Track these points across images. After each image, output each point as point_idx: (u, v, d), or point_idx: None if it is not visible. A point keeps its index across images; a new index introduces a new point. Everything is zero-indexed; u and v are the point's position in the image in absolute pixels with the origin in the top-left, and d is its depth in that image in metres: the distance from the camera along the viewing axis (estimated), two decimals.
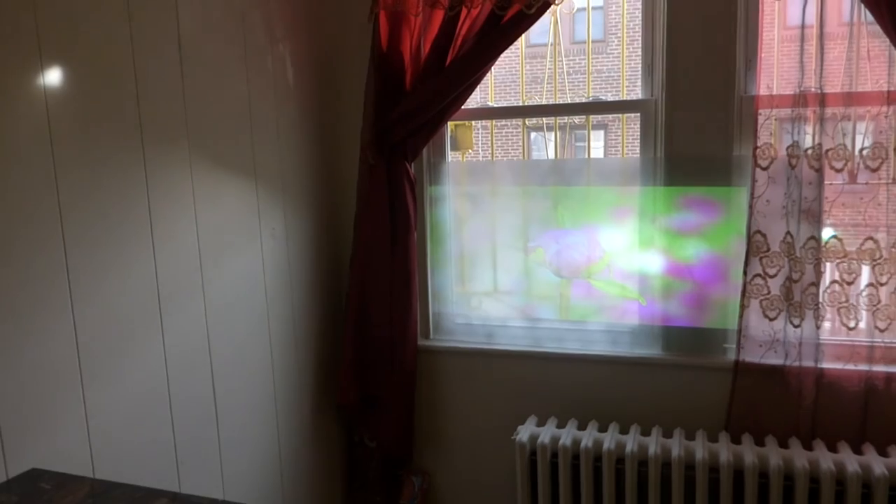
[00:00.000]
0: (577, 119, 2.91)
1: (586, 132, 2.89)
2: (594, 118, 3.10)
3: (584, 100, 2.92)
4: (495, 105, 2.95)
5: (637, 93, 2.62)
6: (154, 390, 1.90)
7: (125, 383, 1.80)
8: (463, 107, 2.59)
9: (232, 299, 2.23)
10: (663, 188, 2.51)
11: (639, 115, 2.57)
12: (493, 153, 3.00)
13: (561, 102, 2.84)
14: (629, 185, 2.62)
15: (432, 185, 2.82)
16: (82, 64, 1.68)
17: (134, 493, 1.33)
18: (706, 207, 2.48)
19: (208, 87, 2.09)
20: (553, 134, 2.89)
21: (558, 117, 2.81)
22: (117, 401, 1.77)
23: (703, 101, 2.42)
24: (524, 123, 2.93)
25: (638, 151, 2.60)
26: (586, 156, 2.78)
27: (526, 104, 2.91)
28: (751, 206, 2.35)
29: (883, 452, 2.31)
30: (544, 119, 3.08)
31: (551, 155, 3.06)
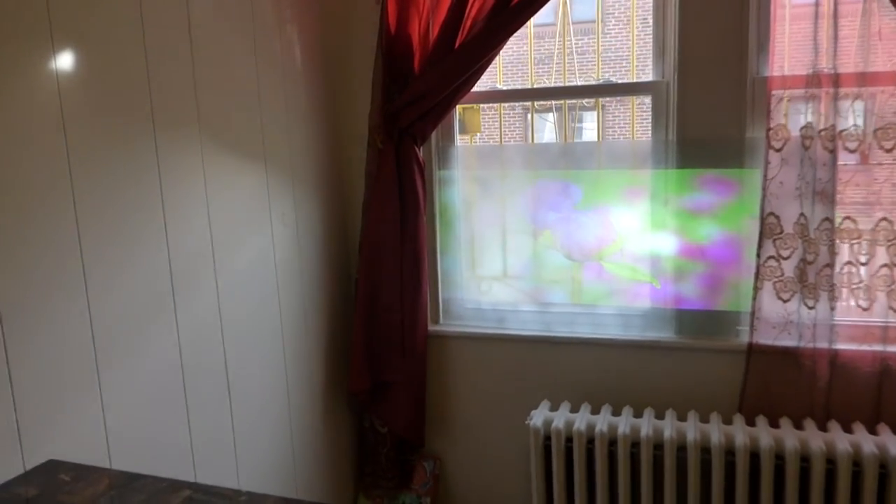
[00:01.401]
0: (573, 101, 2.87)
1: (592, 114, 2.86)
2: (590, 101, 3.07)
3: (594, 82, 2.89)
4: (504, 88, 2.92)
5: (646, 74, 2.58)
6: (169, 378, 1.88)
7: (140, 372, 1.77)
8: (472, 90, 2.56)
9: (244, 285, 2.20)
10: (675, 171, 2.49)
11: (650, 97, 2.54)
12: (501, 137, 2.96)
13: (571, 84, 2.81)
14: (641, 168, 2.59)
15: (441, 168, 2.79)
16: (94, 49, 1.64)
17: (157, 485, 1.31)
18: (719, 189, 2.46)
19: (218, 71, 2.06)
20: (551, 116, 2.85)
21: (567, 100, 2.77)
22: (133, 390, 1.75)
23: (716, 83, 2.39)
24: (533, 106, 2.89)
25: (648, 134, 2.56)
26: (584, 138, 2.75)
27: (535, 86, 2.88)
28: (764, 188, 2.32)
29: None
30: (553, 102, 3.04)
31: (550, 137, 3.02)
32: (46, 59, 1.52)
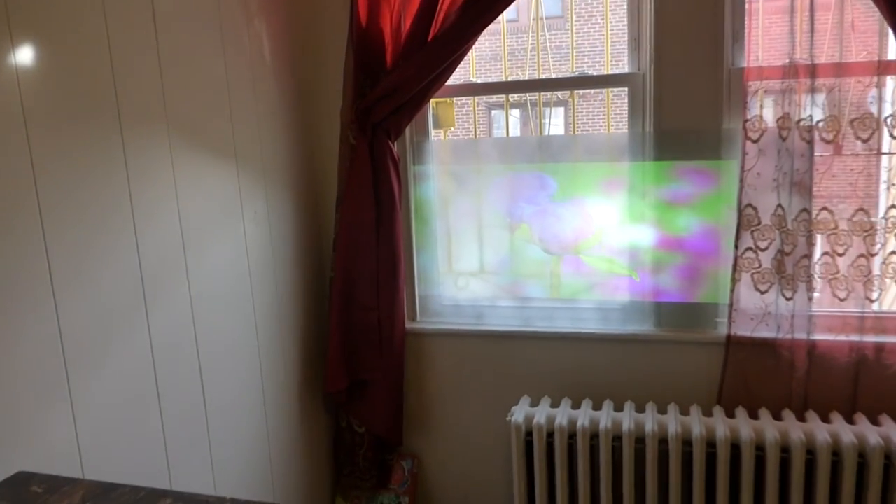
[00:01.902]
0: (544, 97, 2.86)
1: (558, 110, 2.83)
2: (561, 96, 3.06)
3: (569, 75, 2.88)
4: (478, 81, 2.89)
5: (621, 67, 2.57)
6: (142, 383, 1.83)
7: (112, 379, 1.72)
8: (446, 84, 2.53)
9: (216, 286, 2.16)
10: (652, 163, 2.49)
11: (626, 89, 2.54)
12: (475, 130, 2.94)
13: (547, 77, 2.79)
14: (618, 161, 2.58)
15: (416, 163, 2.76)
16: (55, 43, 1.58)
17: (135, 494, 1.26)
18: (696, 181, 2.46)
19: (185, 67, 2.01)
20: (517, 112, 2.83)
21: (543, 93, 2.75)
22: (104, 397, 1.69)
23: (692, 75, 2.39)
24: (507, 101, 2.87)
25: (624, 126, 2.55)
26: (541, 131, 2.74)
27: (508, 80, 2.85)
28: (741, 180, 2.33)
29: (875, 421, 2.31)
30: (528, 96, 3.02)
31: (514, 133, 3.00)
32: (5, 54, 1.46)
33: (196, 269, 2.04)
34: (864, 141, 2.25)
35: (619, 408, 2.52)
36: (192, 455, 2.03)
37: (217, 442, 2.14)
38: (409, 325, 2.78)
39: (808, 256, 2.31)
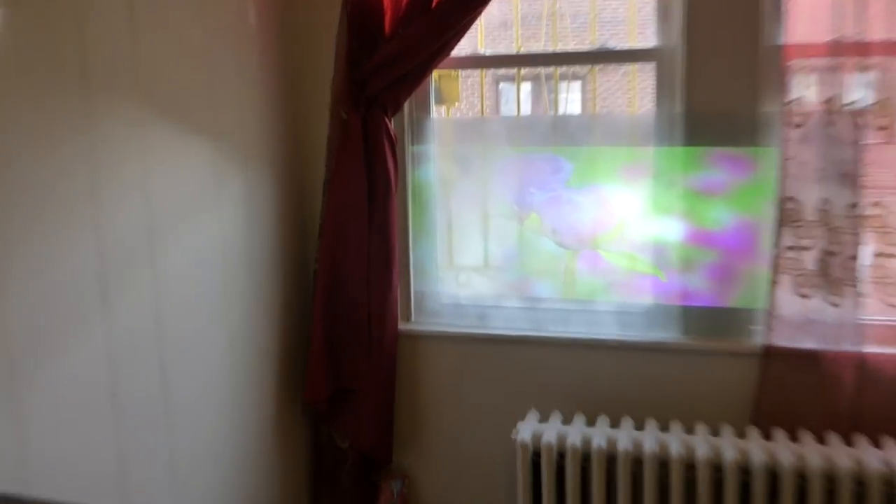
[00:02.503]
0: (551, 71, 2.87)
1: (573, 85, 2.84)
2: (568, 68, 3.07)
3: (588, 48, 2.88)
4: (487, 53, 2.90)
5: (647, 39, 2.58)
6: (96, 388, 1.82)
7: (63, 381, 1.71)
8: (451, 54, 2.53)
9: (186, 278, 2.15)
10: (681, 148, 2.49)
11: (654, 65, 2.54)
12: (482, 108, 2.94)
13: (564, 51, 2.79)
14: (642, 145, 2.59)
15: (415, 143, 2.76)
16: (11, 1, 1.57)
17: None
18: (730, 170, 2.46)
19: (160, 30, 2.01)
20: (526, 85, 2.83)
21: (560, 67, 2.76)
22: (54, 406, 1.68)
23: (727, 50, 2.40)
24: (519, 74, 2.87)
25: (650, 107, 2.56)
26: (566, 112, 2.75)
27: (521, 52, 2.86)
28: (782, 169, 2.33)
29: None
30: (543, 69, 3.03)
31: (524, 110, 3.01)
32: None
33: (163, 259, 2.04)
34: None
35: (639, 426, 2.52)
36: (152, 473, 2.03)
37: (179, 457, 2.13)
38: (402, 325, 2.78)
39: (857, 257, 2.30)
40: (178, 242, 2.12)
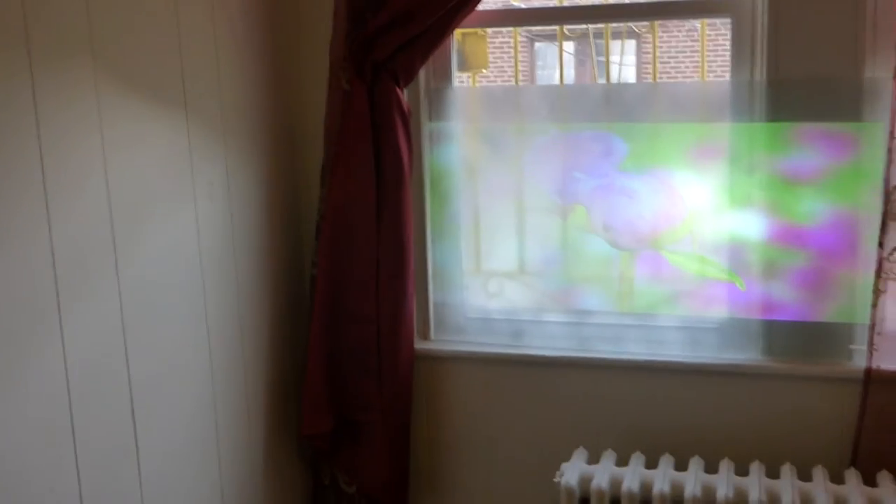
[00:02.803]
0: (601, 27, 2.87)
1: (622, 44, 2.84)
2: (619, 25, 3.06)
3: None
4: (522, 6, 2.90)
5: None
6: (51, 414, 1.84)
7: (11, 406, 1.74)
8: (477, 7, 2.53)
9: (156, 285, 2.18)
10: (764, 125, 2.49)
11: (729, 20, 2.54)
12: (516, 74, 2.95)
13: (617, 2, 2.79)
14: (715, 121, 2.59)
15: (433, 119, 2.77)
16: None
17: None
18: (825, 151, 2.45)
19: None
20: (568, 45, 2.83)
21: (611, 23, 2.76)
22: (2, 432, 1.71)
23: (822, 1, 2.38)
24: (561, 32, 2.87)
25: (727, 73, 2.56)
26: (616, 78, 2.74)
27: (564, 5, 2.86)
28: (890, 150, 2.32)
29: None
30: (590, 26, 3.02)
31: (567, 77, 3.01)
32: None
33: (129, 261, 2.06)
34: None
35: (711, 469, 2.51)
36: None
37: (151, 500, 2.15)
38: (419, 344, 2.79)
39: None
40: (146, 240, 2.14)
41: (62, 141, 1.85)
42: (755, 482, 2.38)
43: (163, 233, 2.21)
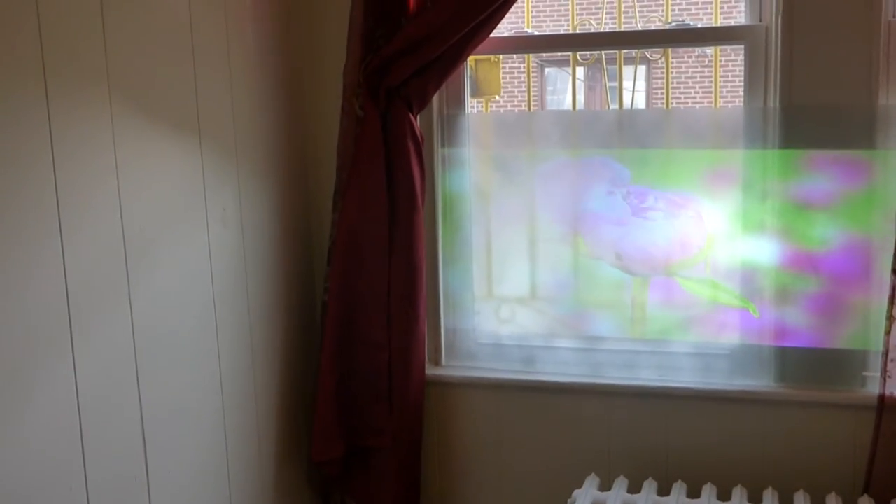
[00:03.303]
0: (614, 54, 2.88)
1: (632, 70, 2.84)
2: (637, 52, 3.07)
3: (662, 26, 2.88)
4: (535, 32, 2.91)
5: (736, 16, 2.58)
6: (62, 446, 1.84)
7: (22, 438, 1.73)
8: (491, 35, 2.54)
9: (169, 312, 2.18)
10: (778, 151, 2.49)
11: (742, 47, 2.54)
12: (529, 100, 2.95)
13: (632, 29, 2.80)
14: (728, 147, 2.60)
15: (446, 146, 2.77)
16: None
17: None
18: (839, 177, 2.45)
19: (135, 10, 2.04)
20: (580, 70, 2.84)
21: (626, 50, 2.76)
22: (10, 465, 1.70)
23: (836, 28, 2.39)
24: (574, 58, 2.88)
25: (737, 99, 2.56)
26: (621, 101, 2.75)
27: (577, 31, 2.86)
28: None
29: None
30: (604, 52, 3.03)
31: (577, 101, 3.01)
32: None
33: (142, 289, 2.06)
34: None
35: (724, 495, 2.50)
36: None
37: None
38: (430, 370, 2.79)
39: None
40: (159, 267, 2.14)
41: (76, 165, 1.85)
42: None
43: (175, 258, 2.21)
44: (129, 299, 2.02)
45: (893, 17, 2.38)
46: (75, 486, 1.87)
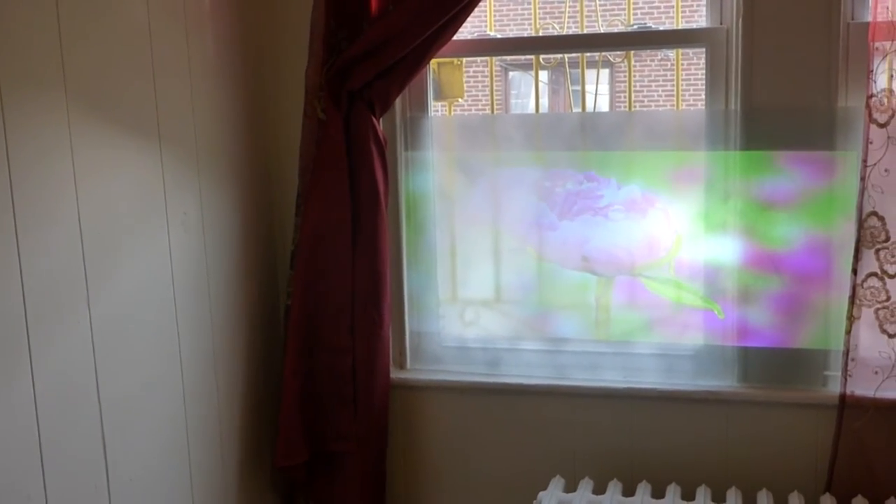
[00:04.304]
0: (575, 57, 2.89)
1: (593, 73, 2.84)
2: (599, 55, 3.09)
3: (623, 29, 2.89)
4: (497, 35, 2.90)
5: (697, 19, 2.59)
6: (20, 447, 1.81)
7: None
8: (453, 38, 2.53)
9: (128, 316, 2.15)
10: (739, 153, 2.50)
11: (703, 50, 2.56)
12: (492, 103, 2.94)
13: (594, 32, 2.80)
14: (691, 149, 2.61)
15: (409, 149, 2.77)
16: None
17: None
18: (800, 179, 2.47)
19: (92, 14, 2.01)
20: (544, 74, 2.85)
21: (588, 52, 2.77)
22: None
23: (795, 31, 2.41)
24: (537, 62, 2.87)
25: (699, 102, 2.57)
26: (590, 107, 2.77)
27: (539, 34, 2.86)
28: (863, 179, 2.33)
29: None
30: (566, 55, 3.03)
31: (540, 104, 3.02)
32: None
33: (101, 294, 2.04)
34: None
35: (688, 495, 2.50)
36: None
37: None
38: (395, 374, 2.78)
39: None
40: (118, 271, 2.12)
41: (33, 171, 1.83)
42: None
43: (135, 263, 2.19)
44: (88, 305, 2.00)
45: (852, 19, 2.39)
46: (34, 494, 1.84)
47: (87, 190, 1.99)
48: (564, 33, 3.02)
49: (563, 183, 2.66)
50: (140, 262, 2.21)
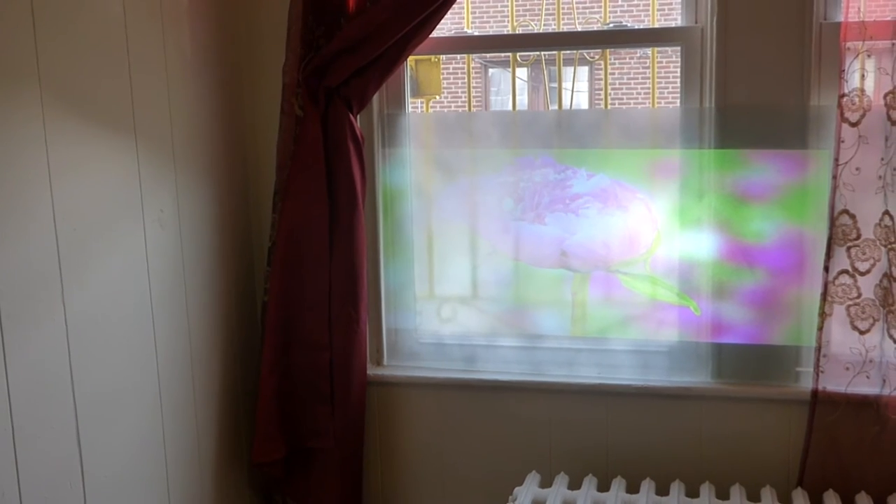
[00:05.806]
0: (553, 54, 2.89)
1: (574, 71, 2.85)
2: (576, 53, 3.09)
3: (599, 27, 2.90)
4: (475, 33, 2.91)
5: (672, 18, 2.59)
6: None
7: None
8: (430, 35, 2.53)
9: (104, 313, 2.14)
10: (714, 151, 2.51)
11: (679, 48, 2.56)
12: (469, 100, 2.94)
13: (571, 31, 2.80)
14: (666, 147, 2.62)
15: (387, 146, 2.76)
16: None
17: None
18: (773, 176, 2.48)
19: (67, 8, 2.00)
20: (521, 71, 2.85)
21: (564, 50, 2.77)
22: None
23: (769, 31, 2.42)
24: (514, 59, 2.88)
25: (675, 101, 2.57)
26: (560, 102, 2.77)
27: (517, 32, 2.86)
28: (835, 177, 2.35)
29: None
30: (544, 53, 3.04)
31: (521, 104, 3.03)
32: None
33: (75, 288, 2.03)
34: None
35: (662, 490, 2.51)
36: None
37: None
38: (372, 370, 2.78)
39: None
40: (94, 268, 2.11)
41: (7, 167, 1.82)
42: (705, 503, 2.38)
43: (111, 260, 2.18)
44: (63, 302, 1.99)
45: (825, 19, 2.40)
46: (8, 491, 1.84)
47: (62, 186, 1.98)
48: (541, 31, 3.02)
49: (531, 174, 2.67)
50: (116, 258, 2.20)
